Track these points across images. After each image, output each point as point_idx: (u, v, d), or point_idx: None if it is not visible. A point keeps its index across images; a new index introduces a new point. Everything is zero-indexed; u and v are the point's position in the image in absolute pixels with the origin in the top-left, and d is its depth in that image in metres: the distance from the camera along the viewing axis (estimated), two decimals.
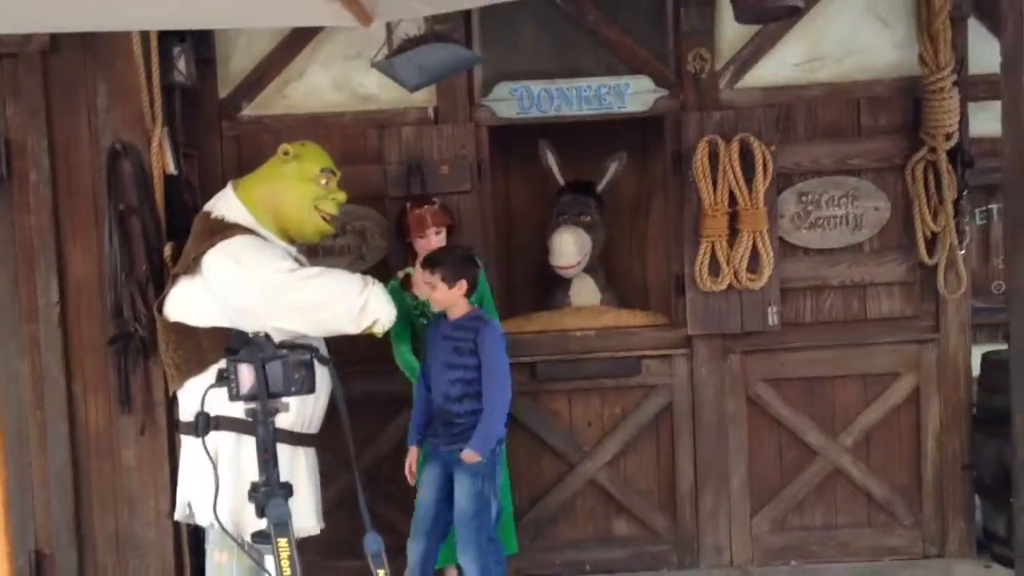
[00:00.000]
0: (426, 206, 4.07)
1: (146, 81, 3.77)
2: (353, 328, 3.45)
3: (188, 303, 3.44)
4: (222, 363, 2.95)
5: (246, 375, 2.46)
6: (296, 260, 3.56)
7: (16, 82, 3.86)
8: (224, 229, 3.44)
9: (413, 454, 3.86)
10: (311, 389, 2.55)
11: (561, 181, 4.80)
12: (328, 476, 3.76)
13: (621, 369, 4.54)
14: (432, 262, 3.72)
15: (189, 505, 3.46)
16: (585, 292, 4.76)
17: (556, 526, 4.61)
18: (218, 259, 3.37)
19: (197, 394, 3.31)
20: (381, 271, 4.24)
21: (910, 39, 4.39)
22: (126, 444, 3.88)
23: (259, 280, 3.33)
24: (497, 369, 3.72)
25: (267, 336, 2.53)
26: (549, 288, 4.83)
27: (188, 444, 3.49)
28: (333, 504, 3.88)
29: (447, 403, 3.74)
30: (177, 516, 3.56)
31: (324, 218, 3.59)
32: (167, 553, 3.90)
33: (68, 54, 3.86)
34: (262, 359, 2.46)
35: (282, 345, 2.55)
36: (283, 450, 2.71)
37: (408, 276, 3.95)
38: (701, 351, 4.52)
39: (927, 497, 4.58)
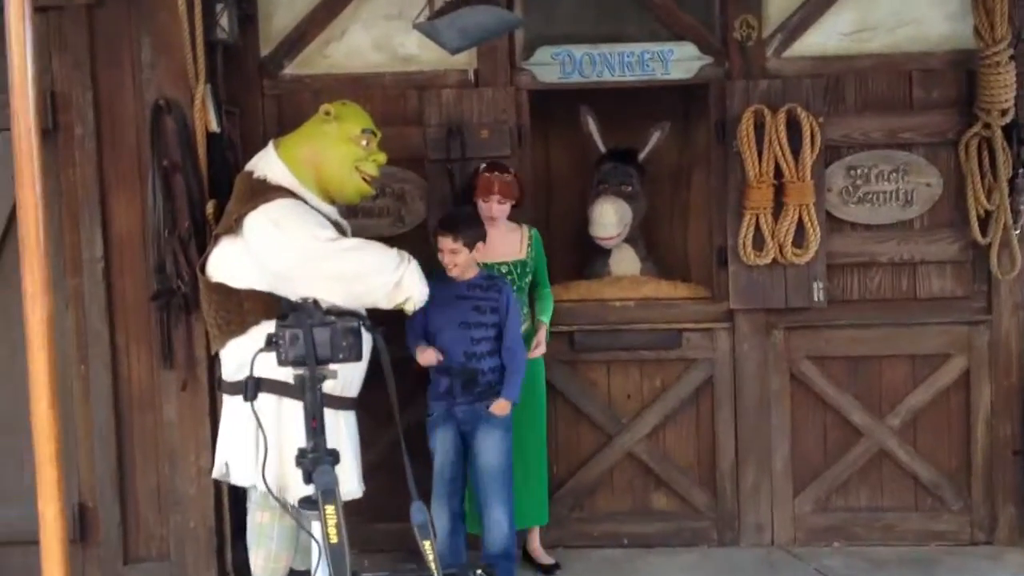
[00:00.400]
0: (498, 173, 4.26)
1: (189, 37, 3.97)
2: (386, 303, 3.67)
3: (230, 264, 3.66)
4: (264, 325, 3.21)
5: (295, 340, 2.65)
6: (337, 225, 3.77)
7: (62, 35, 4.08)
8: (266, 191, 3.67)
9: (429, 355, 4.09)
10: (359, 356, 2.74)
11: (602, 148, 4.98)
12: (366, 439, 3.99)
13: (661, 341, 4.72)
14: (452, 227, 4.02)
15: (226, 464, 3.69)
16: (625, 262, 4.96)
17: (594, 498, 4.82)
18: (259, 221, 3.58)
19: (239, 354, 3.60)
20: (420, 233, 4.55)
21: (964, 11, 4.49)
22: (168, 399, 4.13)
23: (298, 247, 3.54)
24: (518, 325, 4.14)
25: (315, 302, 2.72)
26: (588, 256, 5.03)
27: (228, 404, 3.72)
28: (372, 467, 4.08)
29: (472, 361, 4.06)
30: (215, 475, 3.77)
31: (364, 179, 3.82)
32: (207, 509, 4.14)
33: (113, 8, 4.08)
34: (310, 325, 2.64)
35: (330, 312, 2.73)
36: (326, 415, 2.86)
37: None
38: (743, 326, 4.68)
39: (976, 482, 4.70)
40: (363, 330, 2.79)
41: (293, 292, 3.36)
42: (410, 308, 3.73)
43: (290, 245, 3.54)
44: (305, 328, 2.67)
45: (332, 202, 3.85)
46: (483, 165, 4.32)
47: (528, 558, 4.54)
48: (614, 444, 4.78)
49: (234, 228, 3.64)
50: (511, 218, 4.38)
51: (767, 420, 4.72)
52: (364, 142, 3.79)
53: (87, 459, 4.19)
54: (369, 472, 3.97)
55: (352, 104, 3.91)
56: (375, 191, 4.00)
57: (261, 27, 4.59)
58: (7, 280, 4.16)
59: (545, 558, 4.52)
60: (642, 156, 4.97)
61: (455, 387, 4.09)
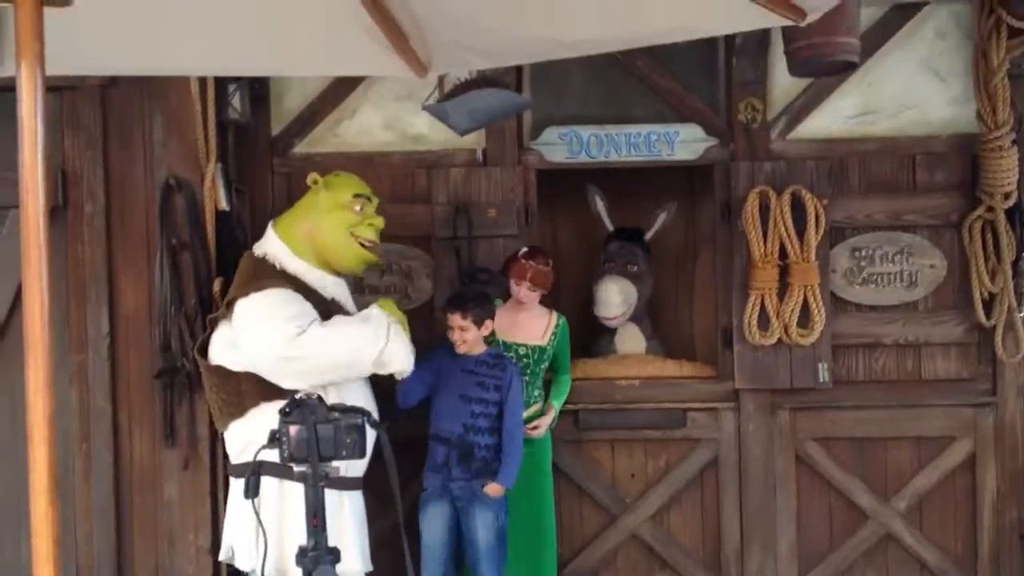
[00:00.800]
0: (536, 262, 4.27)
1: (201, 117, 4.03)
2: (374, 370, 3.66)
3: (225, 347, 3.65)
4: (263, 407, 3.18)
5: (298, 437, 2.63)
6: (332, 303, 3.74)
7: (75, 114, 4.13)
8: (261, 275, 3.66)
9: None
10: (362, 453, 2.72)
11: (610, 227, 5.02)
12: (370, 517, 3.94)
13: (666, 421, 4.70)
14: (461, 305, 4.06)
15: (232, 548, 3.66)
16: (630, 340, 4.96)
17: None
18: (242, 314, 3.58)
19: (241, 436, 3.59)
20: (426, 310, 4.57)
21: (967, 95, 4.55)
22: (169, 478, 4.11)
23: (269, 348, 3.48)
24: (520, 408, 4.16)
25: (319, 398, 2.71)
26: (594, 335, 5.03)
27: (235, 485, 3.68)
28: (374, 543, 4.01)
29: (470, 435, 4.08)
30: (221, 556, 3.74)
31: (363, 244, 3.79)
32: None
33: (126, 88, 4.14)
34: (314, 421, 2.63)
35: (334, 408, 2.72)
36: (330, 495, 2.85)
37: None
38: (749, 406, 4.67)
39: (983, 567, 4.65)
40: (367, 426, 2.77)
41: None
42: (398, 377, 3.74)
43: (264, 344, 3.50)
44: (309, 424, 2.64)
45: (337, 274, 3.84)
46: (524, 250, 4.34)
47: None
48: (618, 525, 4.73)
49: (227, 314, 3.65)
50: (543, 303, 4.42)
51: (772, 502, 4.68)
52: (357, 207, 3.77)
53: (86, 536, 4.16)
54: (373, 549, 3.92)
55: (344, 174, 3.91)
56: (379, 258, 3.96)
57: (272, 107, 4.65)
58: (13, 356, 4.15)
59: None
60: (648, 236, 5.00)
61: (452, 458, 4.09)
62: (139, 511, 4.18)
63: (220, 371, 3.64)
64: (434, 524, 4.10)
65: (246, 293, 3.58)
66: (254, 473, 2.68)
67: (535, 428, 4.29)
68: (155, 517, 4.16)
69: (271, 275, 3.65)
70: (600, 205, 4.99)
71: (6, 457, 4.20)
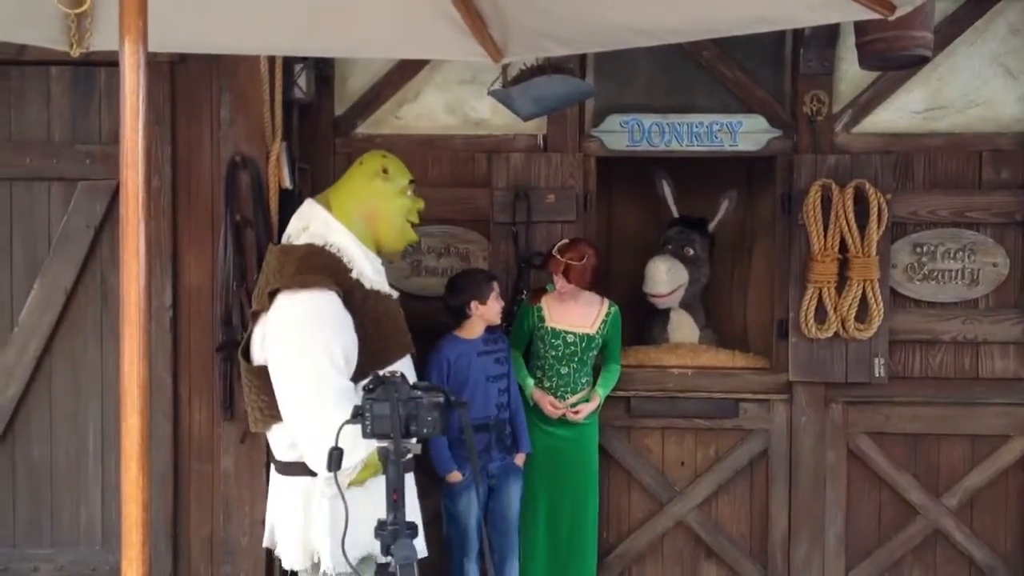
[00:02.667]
0: (569, 257, 4.25)
1: (268, 96, 4.02)
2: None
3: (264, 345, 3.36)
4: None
5: (381, 413, 2.61)
6: (368, 291, 3.43)
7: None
8: (308, 266, 3.32)
9: (458, 477, 4.12)
10: (443, 431, 2.67)
11: (675, 213, 5.00)
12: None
13: (718, 410, 4.68)
14: (494, 278, 4.20)
15: (273, 538, 3.48)
16: (684, 329, 4.94)
17: (643, 565, 4.77)
18: (278, 317, 3.23)
19: (286, 436, 3.34)
20: None
21: None
22: (226, 450, 4.13)
23: (301, 367, 3.18)
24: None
25: (403, 376, 2.71)
26: (648, 322, 5.02)
27: (274, 480, 3.48)
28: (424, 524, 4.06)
29: (501, 413, 4.17)
30: (265, 542, 3.57)
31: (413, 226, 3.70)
32: (259, 560, 4.13)
33: (195, 66, 4.12)
34: (397, 399, 2.61)
35: (416, 386, 2.72)
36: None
37: (538, 292, 4.38)
38: (802, 398, 4.64)
39: None
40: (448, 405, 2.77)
41: None
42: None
43: (293, 358, 3.19)
44: (392, 401, 2.66)
45: (379, 252, 3.75)
46: (562, 242, 4.34)
47: None
48: (666, 512, 4.73)
49: (266, 306, 3.29)
50: (596, 291, 4.42)
51: (822, 494, 4.65)
52: (410, 192, 3.75)
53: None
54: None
55: (391, 155, 3.71)
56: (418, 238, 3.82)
57: (337, 87, 4.66)
58: (76, 325, 4.22)
59: None
60: (712, 225, 4.98)
61: (491, 443, 4.15)
62: (196, 482, 4.20)
63: (262, 372, 3.30)
64: (475, 506, 4.13)
65: (290, 286, 3.24)
66: (337, 448, 2.67)
67: (577, 412, 4.30)
68: (211, 488, 4.19)
69: (323, 268, 3.34)
70: (667, 191, 4.97)
71: (68, 424, 4.26)
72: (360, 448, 3.14)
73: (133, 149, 1.92)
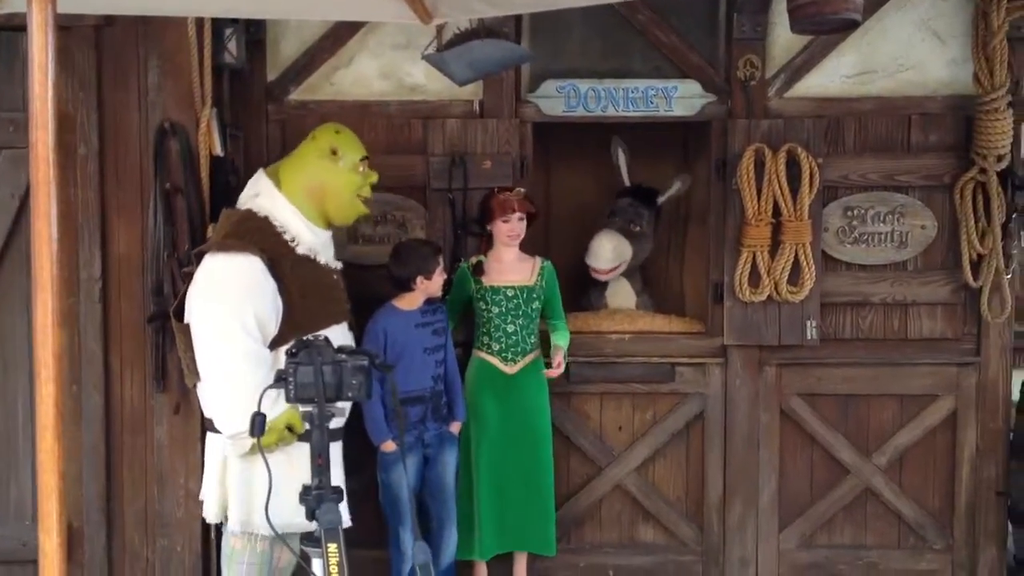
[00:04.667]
0: (513, 191, 4.30)
1: (197, 61, 3.91)
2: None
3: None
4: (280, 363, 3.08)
5: (304, 378, 2.59)
6: (303, 259, 3.55)
7: (69, 55, 3.96)
8: (239, 231, 3.48)
9: (392, 446, 4.09)
10: (368, 395, 2.67)
11: (627, 181, 4.97)
12: (349, 468, 3.88)
13: (654, 375, 4.68)
14: (440, 251, 4.16)
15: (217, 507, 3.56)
16: (621, 295, 4.94)
17: (582, 529, 4.77)
18: (199, 276, 3.42)
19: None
20: None
21: (965, 57, 4.49)
22: (159, 422, 4.04)
23: (210, 329, 3.35)
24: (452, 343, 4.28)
25: (326, 339, 2.67)
26: (585, 289, 4.99)
27: (211, 441, 3.59)
28: (360, 497, 4.03)
29: (437, 385, 4.16)
30: (211, 519, 3.63)
31: (363, 201, 3.73)
32: (194, 533, 4.05)
33: (121, 29, 3.98)
34: (321, 362, 2.59)
35: (341, 350, 2.68)
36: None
37: (480, 263, 4.32)
38: (736, 361, 4.65)
39: (959, 522, 4.69)
40: (373, 369, 2.73)
41: None
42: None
43: (204, 320, 3.36)
44: (316, 365, 2.61)
45: (329, 225, 3.74)
46: (494, 188, 4.35)
47: None
48: (604, 476, 4.73)
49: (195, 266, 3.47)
50: (524, 250, 4.40)
51: (756, 455, 4.68)
52: (362, 169, 3.71)
53: (75, 480, 4.06)
54: (357, 502, 3.87)
55: (345, 130, 3.76)
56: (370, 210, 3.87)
57: (269, 53, 4.52)
58: (3, 298, 4.09)
59: None
60: (661, 200, 4.96)
61: (427, 414, 4.14)
62: (129, 454, 4.10)
63: (188, 330, 3.48)
64: (410, 476, 4.10)
65: (213, 249, 3.42)
66: (259, 413, 2.62)
67: (559, 367, 4.32)
68: (145, 460, 4.09)
69: (253, 233, 3.47)
70: (622, 158, 4.94)
71: None
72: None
73: (43, 109, 1.82)
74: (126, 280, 4.05)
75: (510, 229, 4.28)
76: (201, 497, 3.62)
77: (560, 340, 4.41)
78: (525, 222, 4.32)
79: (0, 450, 4.17)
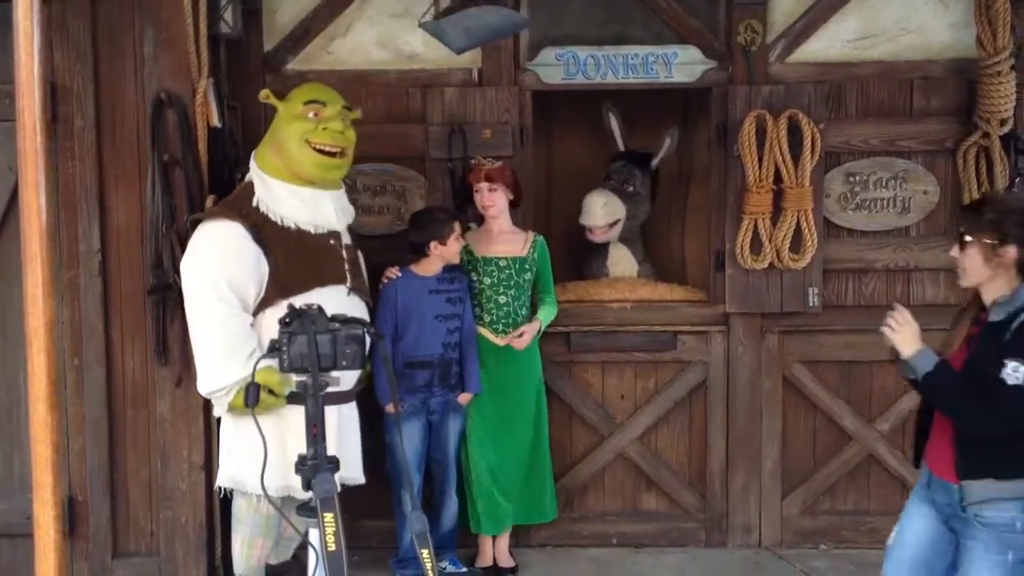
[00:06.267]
0: (487, 160, 4.26)
1: (193, 31, 3.85)
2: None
3: None
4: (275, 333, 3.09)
5: (298, 347, 2.56)
6: (289, 230, 3.58)
7: (64, 26, 3.93)
8: (230, 202, 3.65)
9: (392, 408, 4.08)
10: (361, 364, 2.64)
11: (621, 147, 4.93)
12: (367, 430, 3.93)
13: (656, 343, 4.66)
14: (457, 216, 4.16)
15: (233, 475, 3.62)
16: (622, 263, 4.90)
17: (585, 497, 4.77)
18: (189, 244, 3.57)
19: None
20: None
21: (967, 20, 4.44)
22: (161, 394, 4.01)
23: (189, 292, 3.49)
24: (472, 315, 4.25)
25: (320, 308, 2.63)
26: (587, 258, 4.96)
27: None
28: (367, 465, 4.00)
29: (448, 352, 4.15)
30: (224, 483, 3.67)
31: (321, 150, 3.60)
32: (198, 504, 4.03)
33: (116, 1, 3.94)
34: (314, 332, 2.55)
35: (335, 318, 2.64)
36: (329, 412, 2.81)
37: (468, 228, 4.32)
38: (738, 329, 4.63)
39: None
40: (367, 337, 2.70)
41: None
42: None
43: (193, 291, 3.49)
44: (309, 334, 2.57)
45: (311, 183, 3.64)
46: (475, 159, 4.34)
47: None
48: (606, 444, 4.72)
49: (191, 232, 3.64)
50: (516, 223, 4.36)
51: (758, 423, 4.67)
52: (311, 114, 3.61)
53: (78, 453, 4.07)
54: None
55: (311, 84, 3.80)
56: (341, 163, 3.71)
57: (265, 22, 4.48)
58: (2, 270, 4.05)
59: (508, 560, 4.45)
60: (655, 161, 4.90)
61: (434, 380, 4.14)
62: (131, 427, 4.09)
63: None
64: (413, 439, 4.14)
65: (202, 218, 3.58)
66: (253, 383, 2.60)
67: (520, 335, 4.25)
68: (148, 433, 4.08)
69: (239, 201, 3.60)
70: (615, 124, 4.90)
71: None
72: (232, 372, 3.39)
73: (29, 78, 1.78)
74: (125, 252, 4.03)
75: (480, 199, 4.24)
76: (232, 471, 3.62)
77: (542, 315, 4.37)
78: (500, 194, 4.24)
79: (2, 424, 4.16)
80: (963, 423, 2.75)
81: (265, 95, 3.67)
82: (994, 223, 2.76)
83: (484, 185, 4.21)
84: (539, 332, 4.34)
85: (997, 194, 4.17)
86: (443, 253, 4.10)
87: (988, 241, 2.74)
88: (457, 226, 4.12)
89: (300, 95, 3.69)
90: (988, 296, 2.82)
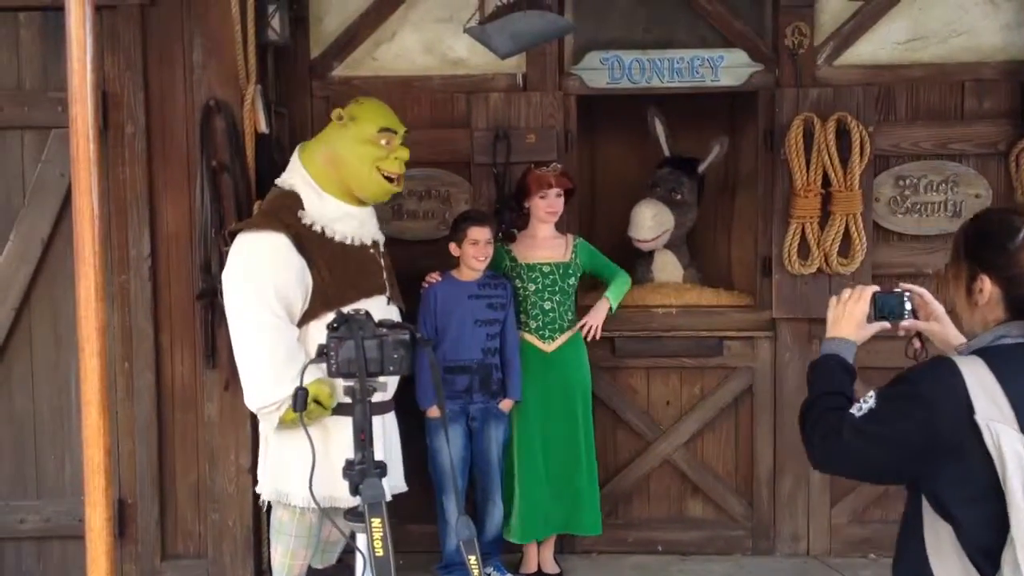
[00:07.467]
0: (550, 166, 4.26)
1: (241, 38, 3.88)
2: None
3: None
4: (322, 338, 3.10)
5: (346, 352, 2.54)
6: (332, 242, 3.52)
7: (115, 34, 3.99)
8: (272, 209, 3.54)
9: (435, 412, 4.10)
10: (408, 369, 2.61)
11: (667, 152, 4.89)
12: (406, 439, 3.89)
13: (702, 349, 4.62)
14: (487, 220, 4.11)
15: (276, 488, 3.56)
16: (668, 268, 4.86)
17: (630, 504, 4.74)
18: (231, 255, 3.46)
19: None
20: None
21: (1019, 21, 4.38)
22: (210, 398, 4.04)
23: (235, 305, 3.41)
24: (516, 322, 4.23)
25: (367, 314, 2.63)
26: (632, 262, 4.91)
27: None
28: (408, 470, 4.01)
29: (488, 358, 4.14)
30: (268, 497, 3.63)
31: (388, 178, 3.59)
32: (245, 507, 4.06)
33: (166, 8, 4.00)
34: (362, 336, 2.53)
35: (382, 323, 2.64)
36: (375, 422, 2.77)
37: (512, 233, 4.30)
38: (786, 335, 4.57)
39: None
40: (414, 343, 2.69)
41: None
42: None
43: (231, 301, 3.42)
44: (357, 339, 2.57)
45: (361, 203, 3.65)
46: (531, 164, 4.30)
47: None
48: (652, 451, 4.68)
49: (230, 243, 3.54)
50: (557, 228, 4.35)
51: None
52: (384, 141, 3.57)
53: (128, 456, 4.11)
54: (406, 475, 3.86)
55: (370, 101, 3.69)
56: (401, 188, 3.73)
57: (312, 29, 4.52)
58: (55, 275, 4.10)
59: (553, 567, 4.43)
60: (702, 168, 4.86)
61: (473, 385, 4.13)
62: (180, 431, 4.13)
63: None
64: (456, 444, 4.14)
65: (242, 228, 3.47)
66: (301, 388, 2.59)
67: (590, 319, 4.31)
68: (196, 437, 4.12)
69: (281, 211, 3.50)
70: (660, 129, 4.86)
71: (50, 376, 4.17)
72: (283, 387, 3.28)
73: (81, 84, 1.80)
74: (175, 258, 4.07)
75: (548, 205, 4.23)
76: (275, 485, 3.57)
77: (611, 293, 4.36)
78: (563, 198, 4.27)
79: (55, 427, 4.21)
80: (804, 442, 2.11)
81: (338, 116, 3.56)
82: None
83: (553, 191, 4.21)
84: (611, 310, 4.35)
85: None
86: (463, 255, 4.09)
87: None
88: (475, 229, 4.05)
89: (372, 118, 3.60)
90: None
